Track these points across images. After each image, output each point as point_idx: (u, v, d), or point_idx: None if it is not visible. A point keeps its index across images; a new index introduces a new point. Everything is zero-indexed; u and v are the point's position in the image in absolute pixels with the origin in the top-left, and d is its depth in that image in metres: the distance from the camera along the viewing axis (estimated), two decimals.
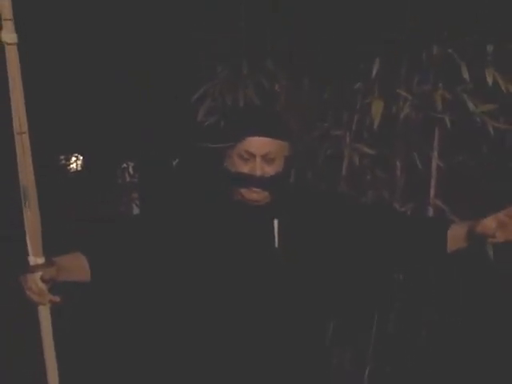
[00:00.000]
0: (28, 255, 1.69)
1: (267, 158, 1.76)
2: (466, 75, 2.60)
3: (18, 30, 1.65)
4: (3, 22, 1.65)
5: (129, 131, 5.92)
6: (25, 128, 1.67)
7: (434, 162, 2.88)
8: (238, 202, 1.82)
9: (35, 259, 1.68)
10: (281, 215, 1.82)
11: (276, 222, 1.82)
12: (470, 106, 2.65)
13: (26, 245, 1.69)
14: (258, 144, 1.75)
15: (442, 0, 2.60)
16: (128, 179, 7.66)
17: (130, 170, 7.61)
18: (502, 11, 2.54)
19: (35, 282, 1.65)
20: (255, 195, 1.78)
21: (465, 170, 2.91)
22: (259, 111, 2.10)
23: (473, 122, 2.68)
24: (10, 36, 1.64)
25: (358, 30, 2.61)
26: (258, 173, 1.75)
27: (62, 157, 8.00)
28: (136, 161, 7.35)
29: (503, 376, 3.26)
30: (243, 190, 1.77)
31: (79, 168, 8.31)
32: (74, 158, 8.23)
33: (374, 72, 2.71)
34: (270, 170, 1.77)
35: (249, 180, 1.76)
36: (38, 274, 1.65)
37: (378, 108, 2.69)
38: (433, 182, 2.89)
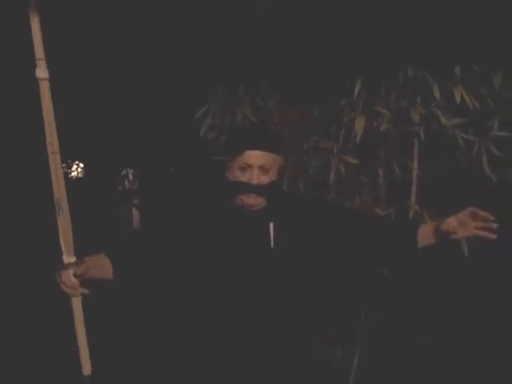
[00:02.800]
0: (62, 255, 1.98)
1: (263, 169, 2.04)
2: (437, 93, 2.89)
3: None
4: (37, 61, 1.97)
5: (129, 139, 6.10)
6: (57, 148, 1.98)
7: (413, 170, 3.16)
8: (238, 208, 2.08)
9: (68, 258, 1.98)
10: (275, 219, 2.09)
11: (271, 224, 2.08)
12: (442, 120, 2.95)
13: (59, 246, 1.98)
14: (255, 157, 2.03)
15: (415, 28, 2.88)
16: (128, 186, 7.85)
17: (130, 176, 7.80)
18: (467, 37, 2.83)
19: (69, 278, 1.95)
20: (253, 200, 2.05)
21: (440, 176, 3.18)
22: (257, 128, 2.36)
23: (445, 134, 2.97)
24: (42, 73, 1.97)
25: (341, 57, 2.90)
26: (255, 181, 2.03)
27: (64, 164, 8.11)
28: (136, 168, 7.53)
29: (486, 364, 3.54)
30: (242, 196, 2.05)
31: (80, 175, 8.50)
32: (75, 166, 8.41)
33: (357, 91, 3.00)
34: (265, 179, 2.05)
35: (247, 187, 2.04)
36: (71, 271, 1.95)
37: (360, 123, 2.98)
38: (413, 189, 3.16)
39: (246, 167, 2.04)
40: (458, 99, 2.86)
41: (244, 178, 2.04)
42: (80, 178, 8.45)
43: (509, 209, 3.18)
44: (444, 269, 3.50)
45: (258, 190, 2.04)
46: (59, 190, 1.99)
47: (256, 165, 2.03)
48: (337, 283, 2.60)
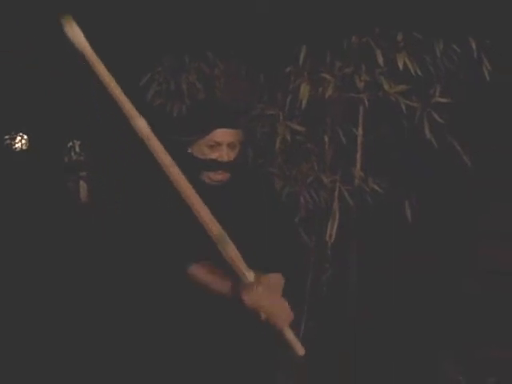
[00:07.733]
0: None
1: (231, 146, 2.09)
2: (380, 60, 2.94)
3: None
4: None
5: (75, 109, 6.00)
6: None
7: (358, 137, 3.22)
8: (201, 182, 2.07)
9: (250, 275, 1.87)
10: (236, 191, 2.13)
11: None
12: (386, 86, 3.00)
13: None
14: (224, 135, 2.07)
15: None
16: (74, 157, 7.74)
17: (77, 148, 7.69)
18: (409, 4, 2.88)
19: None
20: (220, 176, 2.10)
21: (384, 143, 3.25)
22: (223, 107, 2.32)
23: (388, 100, 3.02)
24: None
25: (286, 24, 2.91)
26: (225, 158, 2.08)
27: (7, 136, 7.97)
28: (82, 139, 7.41)
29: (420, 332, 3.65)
30: (211, 173, 2.09)
31: (24, 147, 8.33)
32: (18, 138, 8.24)
33: (302, 58, 3.02)
34: (232, 155, 2.10)
35: (218, 165, 2.08)
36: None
37: (305, 90, 3.01)
38: (358, 155, 3.23)
39: (215, 145, 2.07)
40: (400, 66, 2.91)
41: (213, 155, 2.07)
42: (24, 150, 8.29)
43: (449, 172, 3.28)
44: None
45: (227, 166, 2.08)
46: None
47: (225, 142, 2.07)
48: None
